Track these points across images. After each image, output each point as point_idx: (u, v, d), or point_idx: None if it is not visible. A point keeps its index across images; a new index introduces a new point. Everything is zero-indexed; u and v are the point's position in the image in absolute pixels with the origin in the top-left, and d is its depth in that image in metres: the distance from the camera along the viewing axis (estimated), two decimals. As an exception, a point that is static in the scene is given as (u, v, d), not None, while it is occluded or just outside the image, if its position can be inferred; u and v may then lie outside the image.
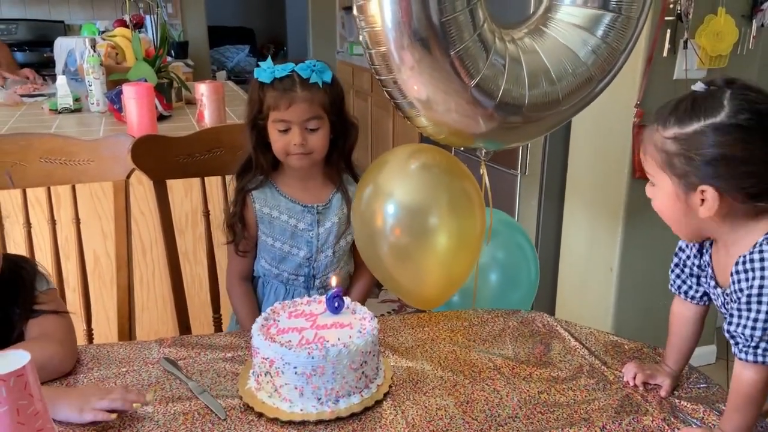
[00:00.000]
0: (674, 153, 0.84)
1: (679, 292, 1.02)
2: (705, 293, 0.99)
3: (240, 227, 1.34)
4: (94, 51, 2.36)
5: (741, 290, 0.84)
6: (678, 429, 0.89)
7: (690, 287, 1.00)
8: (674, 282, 1.02)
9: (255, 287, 1.41)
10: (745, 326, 0.83)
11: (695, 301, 1.00)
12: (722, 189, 0.83)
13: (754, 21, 2.05)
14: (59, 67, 3.04)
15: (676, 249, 1.02)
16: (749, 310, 0.82)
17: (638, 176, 2.06)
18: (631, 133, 2.03)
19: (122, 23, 4.03)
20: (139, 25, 3.67)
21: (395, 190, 1.21)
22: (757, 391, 0.84)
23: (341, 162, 1.36)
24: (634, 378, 1.00)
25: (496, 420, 0.92)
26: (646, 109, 2.00)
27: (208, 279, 1.51)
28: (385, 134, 4.05)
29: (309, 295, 1.19)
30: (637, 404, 0.95)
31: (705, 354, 2.38)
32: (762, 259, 0.82)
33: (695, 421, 0.91)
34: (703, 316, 1.02)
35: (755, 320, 0.82)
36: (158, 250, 2.01)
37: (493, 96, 1.15)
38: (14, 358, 0.69)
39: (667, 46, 1.98)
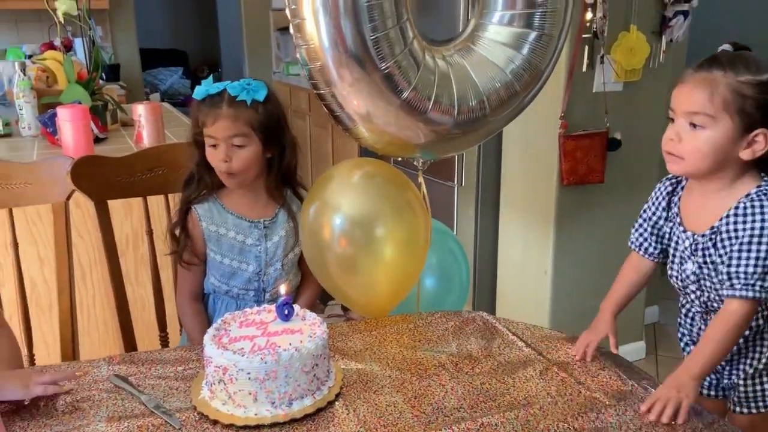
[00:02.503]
0: (749, 96, 0.97)
1: (639, 249, 1.16)
2: (662, 250, 1.13)
3: (183, 236, 1.35)
4: (24, 74, 2.31)
5: (736, 231, 0.97)
6: (607, 402, 0.97)
7: (650, 244, 1.15)
8: (636, 240, 1.17)
9: (206, 304, 1.42)
10: (747, 265, 0.96)
11: (652, 258, 1.15)
12: None
13: (663, 37, 2.22)
14: (-15, 92, 2.95)
15: (641, 211, 1.16)
16: (749, 250, 0.96)
17: (566, 183, 2.19)
18: (558, 142, 2.16)
19: (49, 47, 3.93)
20: (68, 48, 3.59)
21: (341, 202, 1.25)
22: (741, 325, 0.98)
23: (280, 178, 1.39)
24: (586, 347, 1.11)
25: (442, 411, 0.97)
26: (569, 120, 2.14)
27: (154, 297, 1.51)
28: (324, 153, 4.09)
29: (259, 308, 1.21)
30: (572, 386, 1.03)
31: (635, 350, 2.52)
32: (762, 206, 0.97)
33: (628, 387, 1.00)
34: (651, 274, 1.17)
35: (756, 258, 0.95)
36: (97, 274, 1.98)
37: (424, 108, 1.23)
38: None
39: (585, 61, 2.13)
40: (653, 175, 2.38)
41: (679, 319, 1.25)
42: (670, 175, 1.16)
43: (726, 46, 1.03)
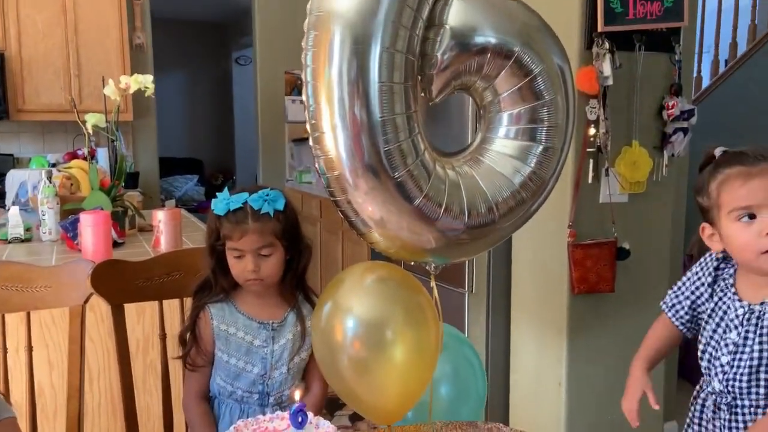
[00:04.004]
0: None
1: (670, 311, 1.17)
2: (690, 320, 1.14)
3: (191, 338, 1.36)
4: (50, 182, 2.41)
5: None
6: None
7: (683, 309, 1.16)
8: (670, 301, 1.17)
9: (211, 408, 1.40)
10: None
11: (680, 323, 1.15)
12: None
13: (665, 152, 2.30)
14: (9, 198, 3.06)
15: (685, 277, 1.18)
16: None
17: (576, 292, 2.19)
18: (567, 251, 2.18)
19: (72, 156, 4.12)
20: (92, 157, 3.76)
21: (353, 305, 1.27)
22: None
23: (295, 281, 1.43)
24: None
25: None
26: (577, 229, 2.18)
27: (162, 405, 1.48)
28: (334, 258, 4.14)
29: (263, 414, 1.20)
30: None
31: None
32: None
33: None
34: (676, 343, 1.16)
35: None
36: (105, 381, 1.95)
37: (435, 214, 1.27)
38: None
39: (591, 173, 2.20)
40: (663, 285, 2.38)
41: (691, 414, 1.22)
42: (716, 252, 1.16)
43: (719, 150, 1.10)
